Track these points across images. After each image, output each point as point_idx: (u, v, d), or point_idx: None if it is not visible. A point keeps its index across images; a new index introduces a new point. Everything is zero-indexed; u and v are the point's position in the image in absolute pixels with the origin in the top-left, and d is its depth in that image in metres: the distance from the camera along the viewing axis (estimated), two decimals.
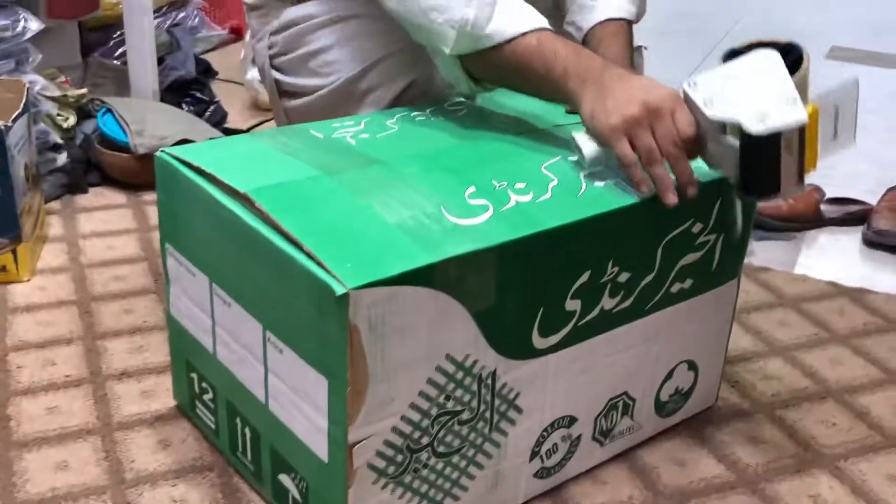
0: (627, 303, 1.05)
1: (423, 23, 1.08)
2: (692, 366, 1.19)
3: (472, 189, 0.97)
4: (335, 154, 1.04)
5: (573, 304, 0.99)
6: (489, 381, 0.96)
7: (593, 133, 1.01)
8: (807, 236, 1.81)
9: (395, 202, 0.93)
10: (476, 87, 1.13)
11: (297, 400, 0.93)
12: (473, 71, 1.11)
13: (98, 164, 1.82)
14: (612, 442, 1.14)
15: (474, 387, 0.95)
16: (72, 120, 1.85)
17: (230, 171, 0.97)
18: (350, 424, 0.87)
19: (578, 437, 1.09)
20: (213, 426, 1.12)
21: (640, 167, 0.98)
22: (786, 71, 0.96)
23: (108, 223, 1.68)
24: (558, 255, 0.95)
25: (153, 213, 1.72)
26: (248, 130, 2.04)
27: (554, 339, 0.99)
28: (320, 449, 0.91)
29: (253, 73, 2.14)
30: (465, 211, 0.93)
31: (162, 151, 1.04)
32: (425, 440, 0.93)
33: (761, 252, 1.74)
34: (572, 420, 1.07)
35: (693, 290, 1.12)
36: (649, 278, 1.05)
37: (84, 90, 1.90)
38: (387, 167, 1.01)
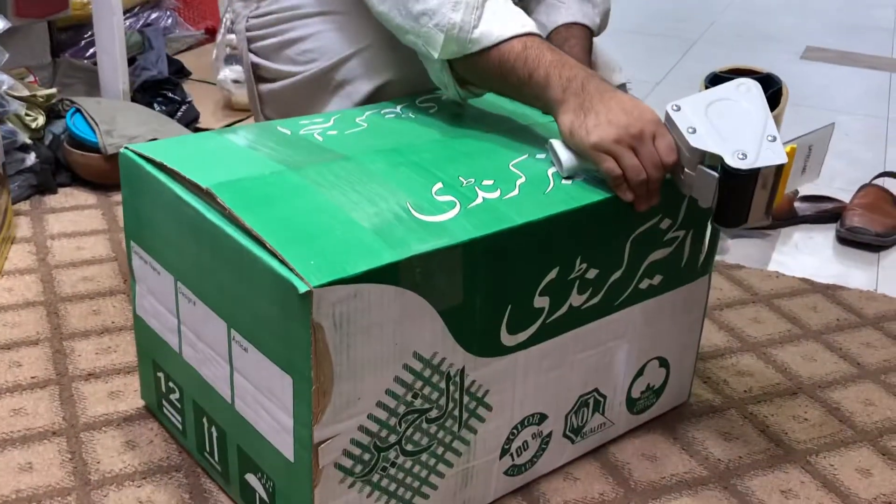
0: (596, 299, 1.05)
1: (413, 27, 1.07)
2: (663, 362, 1.19)
3: (439, 185, 0.97)
4: (301, 150, 1.03)
5: (541, 301, 0.99)
6: (458, 379, 0.96)
7: (572, 146, 1.01)
8: (781, 233, 1.82)
9: (361, 198, 0.93)
10: (465, 93, 1.13)
11: (263, 399, 0.92)
12: (463, 75, 1.11)
13: (67, 165, 1.81)
14: (583, 439, 1.14)
15: (442, 384, 0.94)
16: (41, 120, 1.83)
17: (193, 167, 0.96)
18: (315, 424, 0.86)
19: (549, 435, 1.09)
20: (179, 426, 1.11)
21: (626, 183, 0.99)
22: (767, 106, 0.99)
23: (77, 224, 1.67)
24: (526, 251, 0.95)
25: (122, 214, 1.70)
26: None
27: (522, 336, 0.99)
28: (286, 448, 0.91)
29: (225, 73, 2.13)
30: (431, 207, 0.93)
31: (126, 148, 1.03)
32: (393, 438, 0.93)
33: (735, 249, 1.75)
34: (542, 417, 1.07)
35: (663, 287, 1.12)
36: (618, 274, 1.05)
37: (53, 90, 1.88)
38: (353, 162, 1.00)
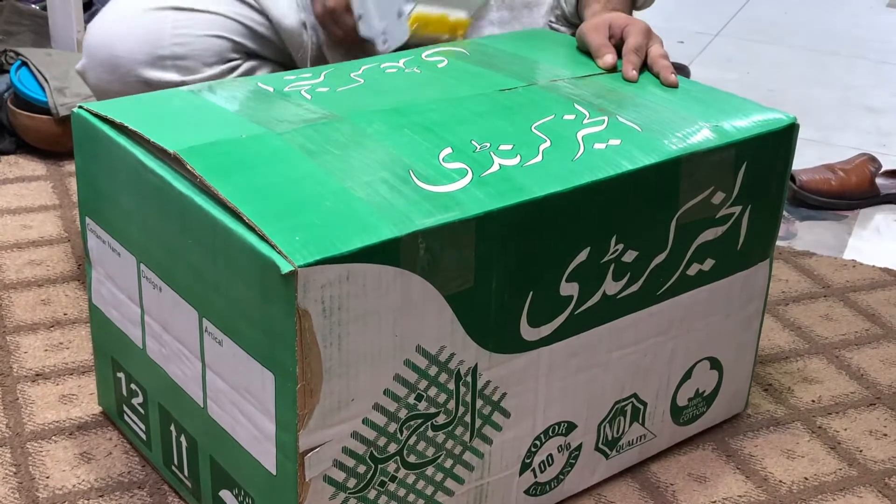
0: (635, 287, 1.06)
1: None
2: (715, 364, 1.20)
3: (447, 151, 0.98)
4: (285, 109, 1.05)
5: (569, 288, 1.00)
6: (469, 379, 0.97)
7: None
8: (859, 215, 1.82)
9: (355, 165, 0.94)
10: None
11: (240, 400, 0.94)
12: None
13: (11, 128, 1.83)
14: (619, 454, 1.15)
15: (451, 385, 0.96)
16: None
17: (158, 129, 0.98)
18: (301, 429, 0.88)
19: (578, 448, 1.10)
20: (143, 436, 1.13)
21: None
22: None
23: (22, 198, 1.69)
24: (551, 229, 0.96)
25: (76, 187, 1.72)
26: None
27: (546, 329, 1.01)
28: (267, 459, 0.92)
29: None
30: (438, 176, 0.94)
31: (80, 107, 1.05)
32: (392, 448, 0.94)
33: (805, 233, 1.75)
34: (571, 427, 1.08)
35: (715, 273, 1.13)
36: (661, 258, 1.07)
37: None
38: (346, 124, 1.02)
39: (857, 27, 2.97)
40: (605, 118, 1.08)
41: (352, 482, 0.93)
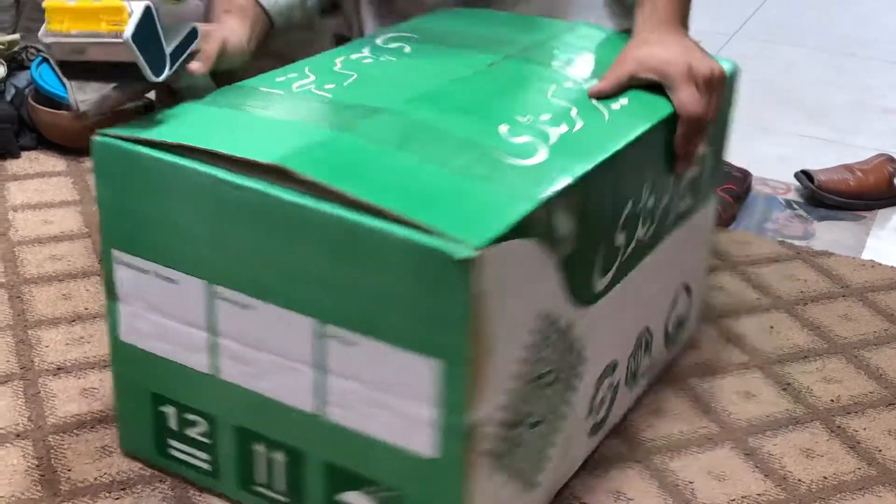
0: (652, 229, 1.14)
1: None
2: (689, 290, 1.33)
3: (504, 127, 1.02)
4: (321, 109, 1.05)
5: (620, 238, 1.08)
6: (567, 336, 1.02)
7: None
8: (877, 215, 1.82)
9: (440, 151, 0.97)
10: None
11: (380, 396, 0.94)
12: None
13: (33, 124, 1.84)
14: (636, 384, 1.23)
15: (558, 344, 1.01)
16: (1, 71, 1.86)
17: (225, 143, 0.95)
18: (471, 407, 0.90)
19: (618, 384, 1.18)
20: (205, 465, 1.09)
21: None
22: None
23: (43, 193, 1.70)
24: (613, 184, 1.04)
25: None
26: None
27: (607, 278, 1.08)
28: (422, 445, 0.93)
29: None
30: (519, 151, 0.99)
31: (100, 135, 1.00)
32: (523, 411, 0.98)
33: (823, 233, 1.75)
34: (615, 366, 1.15)
35: (691, 209, 1.25)
36: (666, 199, 1.16)
37: (16, 36, 1.91)
38: (394, 116, 1.04)
39: (872, 29, 2.97)
40: (596, 80, 1.16)
41: (496, 451, 0.96)
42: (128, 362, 1.10)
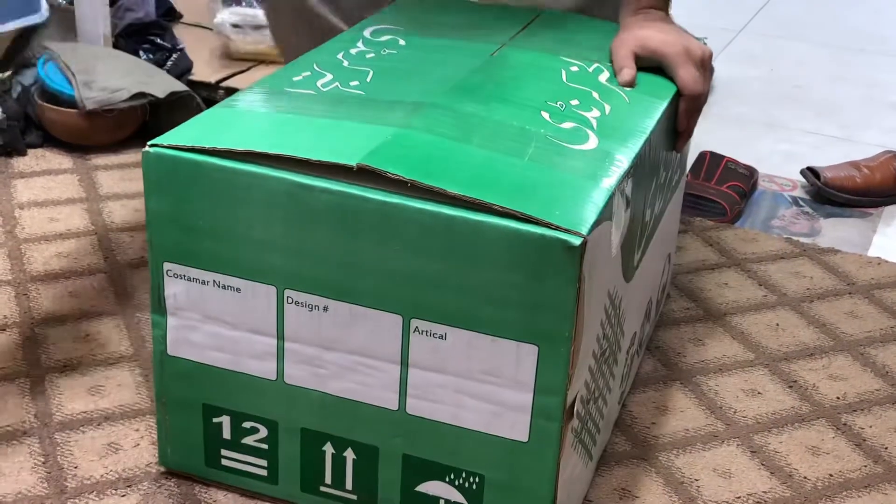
0: (661, 203, 1.23)
1: None
2: (669, 259, 1.43)
3: (546, 114, 1.06)
4: (368, 107, 1.04)
5: (648, 214, 1.15)
6: (619, 310, 1.08)
7: None
8: (884, 212, 1.82)
9: (502, 142, 1.00)
10: None
11: (469, 385, 0.96)
12: None
13: (38, 122, 1.84)
14: (639, 355, 1.29)
15: (614, 319, 1.06)
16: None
17: (293, 147, 0.94)
18: (567, 388, 0.93)
19: (634, 354, 1.25)
20: (263, 472, 1.08)
21: None
22: None
23: (49, 191, 1.70)
24: (648, 163, 1.10)
25: (103, 180, 1.73)
26: (217, 84, 2.05)
27: (640, 253, 1.14)
28: (514, 430, 0.96)
29: (223, 16, 2.15)
30: (571, 136, 1.03)
31: (152, 146, 0.97)
32: (595, 388, 1.02)
33: (829, 230, 1.75)
34: (635, 337, 1.22)
35: (677, 181, 1.34)
36: (669, 174, 1.21)
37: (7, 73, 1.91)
38: (441, 109, 1.05)
39: (881, 24, 2.96)
40: (597, 64, 1.22)
41: (577, 428, 0.99)
42: (176, 377, 1.07)
